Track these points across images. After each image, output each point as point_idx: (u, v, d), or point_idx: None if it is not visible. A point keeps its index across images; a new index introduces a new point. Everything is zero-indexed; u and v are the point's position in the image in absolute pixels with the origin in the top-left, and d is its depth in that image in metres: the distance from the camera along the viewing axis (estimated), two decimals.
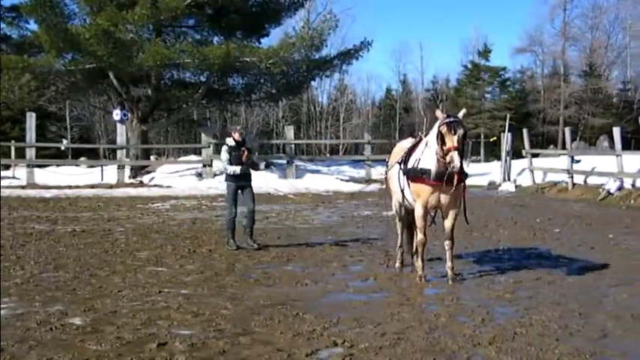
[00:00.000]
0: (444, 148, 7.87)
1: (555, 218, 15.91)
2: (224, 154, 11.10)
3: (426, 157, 8.30)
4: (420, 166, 8.36)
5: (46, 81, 28.85)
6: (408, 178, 8.60)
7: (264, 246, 11.26)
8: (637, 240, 12.41)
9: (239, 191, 11.19)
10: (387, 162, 10.09)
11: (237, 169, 10.92)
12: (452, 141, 7.81)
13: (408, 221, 9.74)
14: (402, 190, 8.86)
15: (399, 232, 9.73)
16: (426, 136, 8.77)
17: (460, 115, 8.20)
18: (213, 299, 7.57)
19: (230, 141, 11.13)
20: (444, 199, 8.36)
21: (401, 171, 8.82)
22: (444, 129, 7.89)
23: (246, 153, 10.92)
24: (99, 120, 51.51)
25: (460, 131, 7.85)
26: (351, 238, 12.39)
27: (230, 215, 11.18)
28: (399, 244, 9.67)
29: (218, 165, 11.22)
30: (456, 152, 7.75)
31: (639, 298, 7.71)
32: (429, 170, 8.19)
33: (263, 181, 26.74)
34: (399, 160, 8.95)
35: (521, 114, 53.88)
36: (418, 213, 8.52)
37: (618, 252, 11.04)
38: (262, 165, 11.81)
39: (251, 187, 11.35)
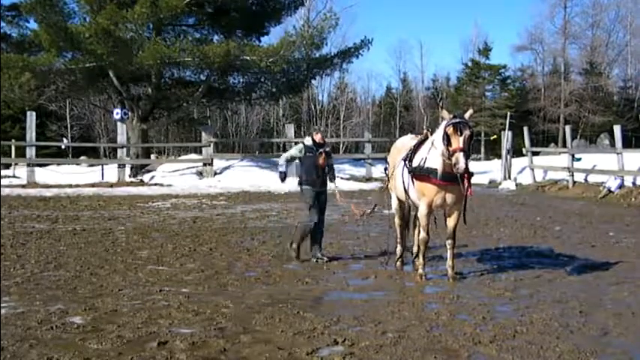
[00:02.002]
0: (450, 149, 7.85)
1: (556, 216, 15.91)
2: (293, 151, 10.21)
3: (432, 156, 8.28)
4: (426, 166, 8.35)
5: (46, 80, 28.86)
6: (413, 177, 8.59)
7: (330, 258, 10.12)
8: (638, 238, 12.41)
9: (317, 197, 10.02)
10: (387, 158, 10.09)
11: (285, 157, 10.20)
12: (457, 142, 7.79)
13: (408, 219, 9.77)
14: (406, 188, 8.84)
15: (398, 230, 9.73)
16: (431, 133, 8.76)
17: (467, 115, 8.16)
18: (213, 298, 7.56)
19: (308, 140, 10.17)
20: (450, 198, 8.36)
21: (406, 169, 8.81)
22: (449, 130, 7.87)
23: (323, 156, 10.01)
24: (99, 119, 51.49)
25: (466, 132, 7.83)
26: (351, 237, 12.38)
27: (311, 221, 9.94)
28: (398, 243, 9.67)
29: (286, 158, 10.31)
30: (462, 153, 7.73)
31: (639, 296, 7.70)
32: (436, 170, 8.17)
33: (262, 179, 26.80)
34: (404, 157, 8.93)
35: (522, 112, 53.87)
36: (422, 212, 8.52)
37: (619, 250, 11.04)
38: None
39: (326, 196, 10.23)
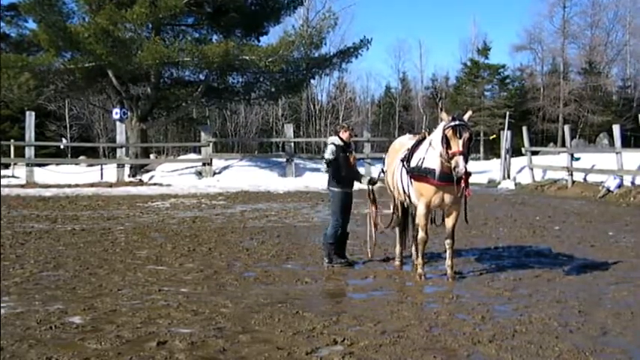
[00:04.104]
0: (449, 152, 7.85)
1: (555, 216, 15.91)
2: (329, 155, 9.43)
3: (430, 157, 8.29)
4: (424, 166, 8.35)
5: (45, 80, 28.84)
6: (411, 177, 8.60)
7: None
8: (637, 237, 12.42)
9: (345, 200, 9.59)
10: (385, 159, 10.07)
11: (325, 163, 9.44)
12: (457, 145, 7.79)
13: (406, 219, 9.77)
14: (405, 189, 8.85)
15: (397, 230, 9.73)
16: (429, 133, 8.76)
17: (465, 117, 8.15)
18: (212, 298, 7.56)
19: (336, 140, 9.57)
20: (448, 198, 8.37)
21: (404, 169, 8.81)
22: (449, 132, 7.87)
23: (354, 155, 9.70)
24: (98, 119, 51.44)
25: (465, 135, 7.84)
26: (350, 236, 12.36)
27: (335, 228, 9.53)
28: (397, 242, 9.67)
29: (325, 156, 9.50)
30: (461, 157, 7.74)
31: (639, 296, 7.71)
32: (434, 170, 8.18)
33: (261, 179, 26.81)
34: (403, 158, 8.93)
35: (521, 112, 53.93)
36: (421, 212, 8.52)
37: (618, 250, 11.04)
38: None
39: (352, 196, 9.78)
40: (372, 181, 9.87)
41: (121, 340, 5.94)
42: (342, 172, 9.47)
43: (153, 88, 30.47)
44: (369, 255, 10.01)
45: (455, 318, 6.76)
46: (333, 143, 9.52)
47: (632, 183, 20.75)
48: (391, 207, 9.82)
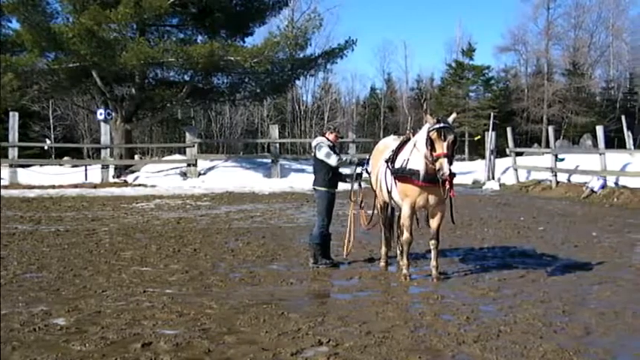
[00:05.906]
0: (434, 154, 7.88)
1: (539, 216, 15.99)
2: (329, 149, 9.43)
3: (415, 158, 8.31)
4: (408, 167, 8.37)
5: (29, 80, 28.61)
6: (395, 178, 8.62)
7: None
8: (620, 238, 12.51)
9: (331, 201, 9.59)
10: (368, 159, 10.06)
11: (335, 157, 9.33)
12: (441, 147, 7.82)
13: (391, 220, 9.78)
14: (389, 189, 8.87)
15: (382, 230, 9.74)
16: (413, 134, 8.78)
17: (450, 119, 8.18)
18: (197, 299, 7.54)
19: (324, 140, 9.59)
20: (432, 199, 8.39)
21: (388, 170, 8.83)
22: (433, 135, 7.89)
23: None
24: (82, 119, 51.22)
25: (450, 137, 7.86)
26: (335, 237, 12.37)
27: (321, 228, 9.55)
28: (382, 243, 9.69)
29: (331, 160, 9.31)
30: (446, 159, 7.76)
31: (622, 296, 7.77)
32: (418, 171, 8.20)
33: (246, 180, 26.75)
34: (387, 159, 8.94)
35: (505, 112, 54.20)
36: (405, 212, 8.54)
37: (601, 250, 11.11)
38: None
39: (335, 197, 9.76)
40: (355, 177, 9.88)
41: (105, 341, 5.91)
42: (330, 172, 9.46)
43: (137, 88, 30.32)
44: (345, 254, 9.96)
45: (440, 318, 6.78)
46: (321, 143, 9.52)
47: (616, 184, 20.90)
48: (373, 207, 9.84)
